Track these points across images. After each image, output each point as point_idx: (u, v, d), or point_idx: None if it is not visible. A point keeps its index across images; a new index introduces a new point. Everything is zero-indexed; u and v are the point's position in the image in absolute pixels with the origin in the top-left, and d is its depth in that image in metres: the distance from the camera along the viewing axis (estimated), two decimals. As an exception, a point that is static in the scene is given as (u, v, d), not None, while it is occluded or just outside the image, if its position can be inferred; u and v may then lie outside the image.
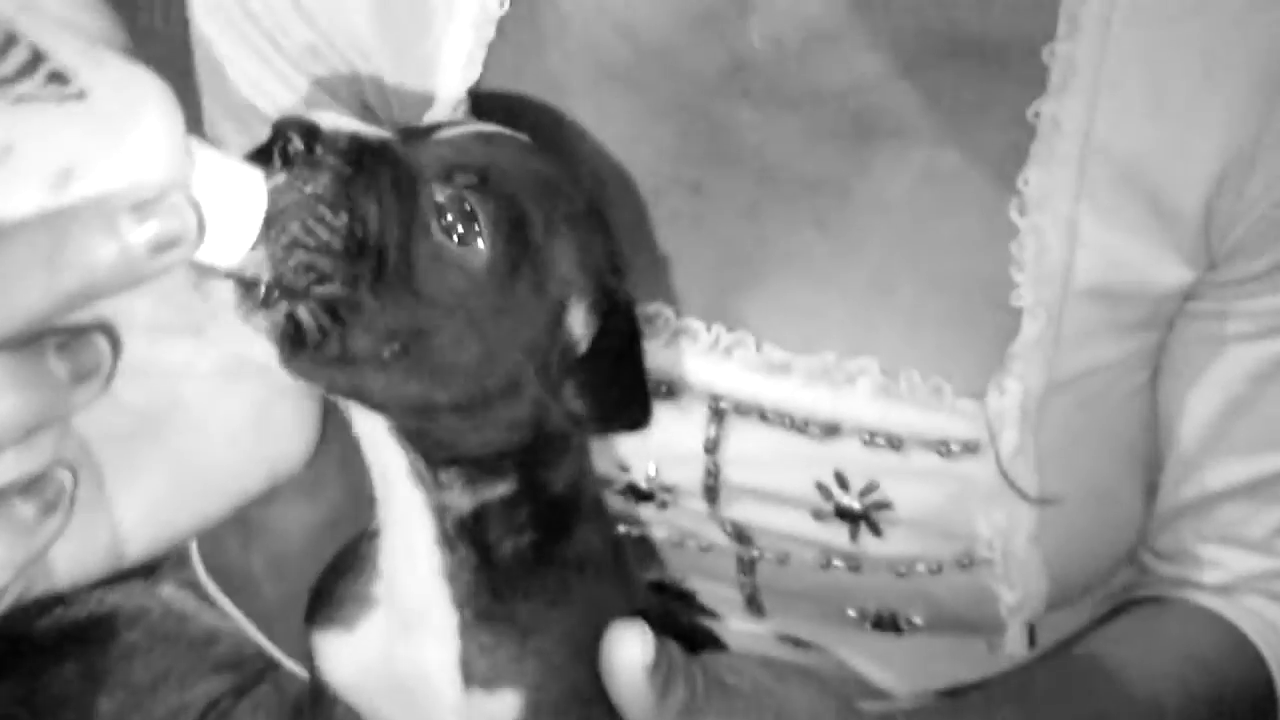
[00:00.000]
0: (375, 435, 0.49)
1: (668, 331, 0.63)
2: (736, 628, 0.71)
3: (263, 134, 0.67)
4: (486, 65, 0.63)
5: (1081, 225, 0.60)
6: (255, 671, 1.02)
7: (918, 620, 0.67)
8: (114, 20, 0.41)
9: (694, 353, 0.64)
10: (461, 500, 0.49)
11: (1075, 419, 0.63)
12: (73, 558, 0.44)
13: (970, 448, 0.62)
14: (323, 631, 0.53)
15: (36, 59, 0.38)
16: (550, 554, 0.50)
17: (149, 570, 1.05)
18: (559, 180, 0.48)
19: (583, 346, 0.48)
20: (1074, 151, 0.59)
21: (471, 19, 0.62)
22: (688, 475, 0.65)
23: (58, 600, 1.05)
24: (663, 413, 0.64)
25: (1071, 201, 0.59)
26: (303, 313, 0.43)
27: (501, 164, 0.46)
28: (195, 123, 0.72)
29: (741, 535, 0.67)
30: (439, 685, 0.50)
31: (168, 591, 1.07)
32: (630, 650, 0.48)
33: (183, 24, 0.70)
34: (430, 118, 0.63)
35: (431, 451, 0.48)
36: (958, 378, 0.61)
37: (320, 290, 0.43)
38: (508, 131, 0.49)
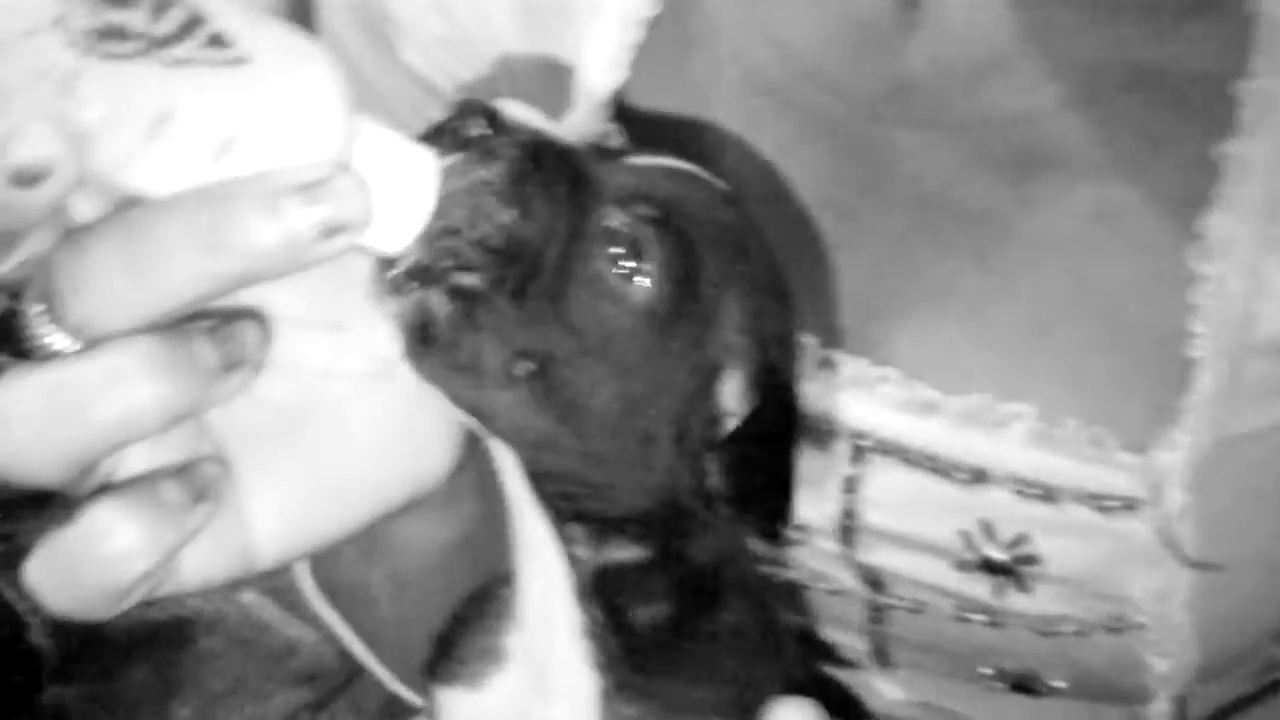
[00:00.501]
0: (510, 471, 0.45)
1: (810, 361, 0.60)
2: (883, 693, 0.68)
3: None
4: (631, 69, 0.60)
5: (1267, 275, 0.56)
6: (333, 686, 1.00)
7: (1058, 684, 0.64)
8: None
9: (837, 385, 0.60)
10: (586, 555, 0.44)
11: (1244, 480, 0.59)
12: (203, 559, 0.41)
13: (1130, 504, 0.58)
14: (447, 688, 0.48)
15: (196, 20, 0.35)
16: (694, 629, 0.45)
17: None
18: (746, 236, 0.43)
19: (731, 422, 0.43)
20: (1261, 196, 0.55)
21: (618, 18, 0.59)
22: (822, 514, 0.62)
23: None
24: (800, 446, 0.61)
25: (1257, 249, 0.56)
26: (436, 302, 0.39)
27: (688, 204, 0.42)
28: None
29: (875, 581, 0.63)
30: None
31: (249, 598, 1.05)
32: None
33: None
34: (569, 120, 0.61)
35: (554, 500, 0.44)
36: (1121, 429, 0.58)
37: (459, 279, 0.39)
38: (703, 174, 0.44)
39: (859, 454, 0.60)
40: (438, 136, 0.40)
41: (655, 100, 0.61)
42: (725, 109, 0.61)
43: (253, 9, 0.36)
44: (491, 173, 0.39)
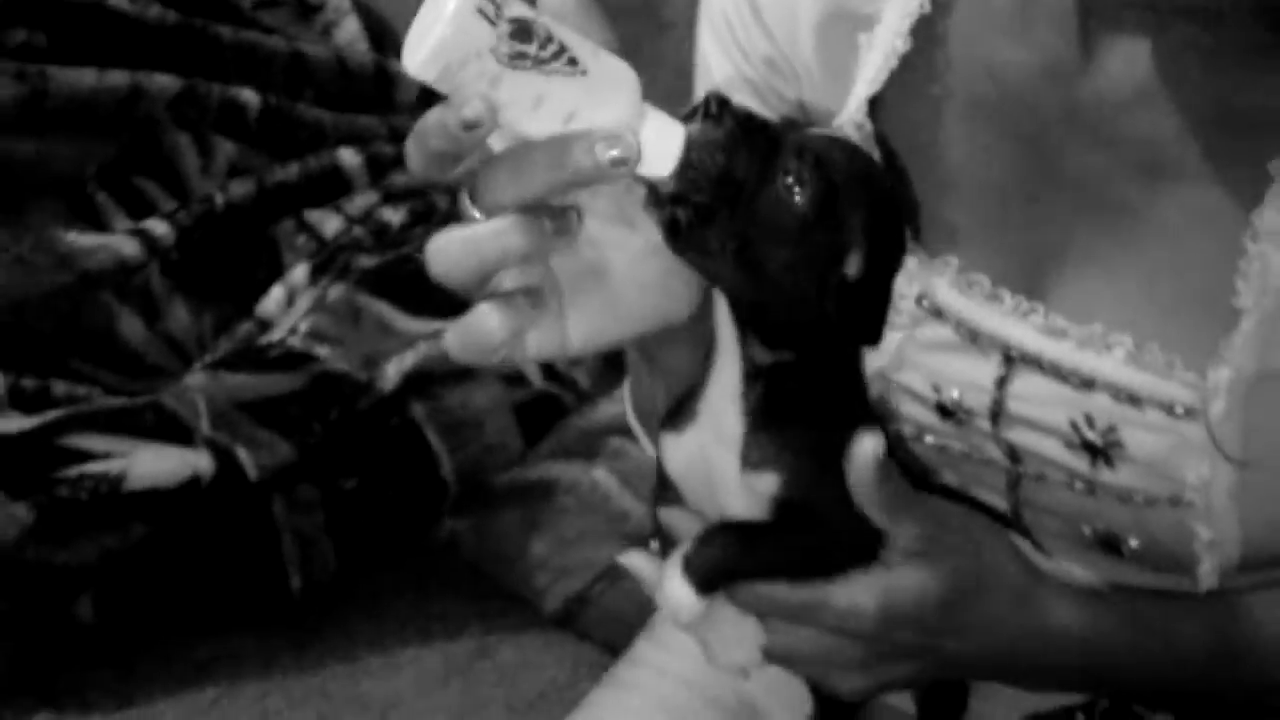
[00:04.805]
0: (721, 309, 0.78)
1: (982, 294, 0.88)
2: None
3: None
4: (886, 85, 0.89)
5: None
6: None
7: (1134, 544, 0.88)
8: (609, 29, 0.71)
9: (1000, 312, 0.87)
10: (761, 355, 0.77)
11: (1278, 405, 0.82)
12: (538, 342, 0.74)
13: (1191, 412, 0.82)
14: (665, 433, 0.82)
15: (561, 50, 0.67)
16: (817, 399, 0.78)
17: (591, 454, 1.39)
18: (873, 177, 0.75)
19: (851, 279, 0.74)
20: None
21: (883, 52, 0.89)
22: (980, 402, 0.88)
23: (518, 462, 1.40)
24: (969, 352, 0.88)
25: None
26: (681, 213, 0.71)
27: (836, 158, 0.73)
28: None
29: (1014, 455, 0.89)
30: (727, 469, 0.78)
31: (600, 474, 1.38)
32: (867, 446, 0.75)
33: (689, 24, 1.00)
34: (844, 113, 0.91)
35: (745, 320, 0.76)
36: (1189, 356, 0.82)
37: (696, 199, 0.71)
38: (853, 141, 0.76)
39: (1009, 361, 0.87)
40: (694, 113, 0.71)
41: (901, 107, 0.90)
42: (952, 117, 0.88)
43: (593, 41, 0.68)
44: (717, 135, 0.71)
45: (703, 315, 0.80)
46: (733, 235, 0.72)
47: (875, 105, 0.90)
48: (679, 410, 0.82)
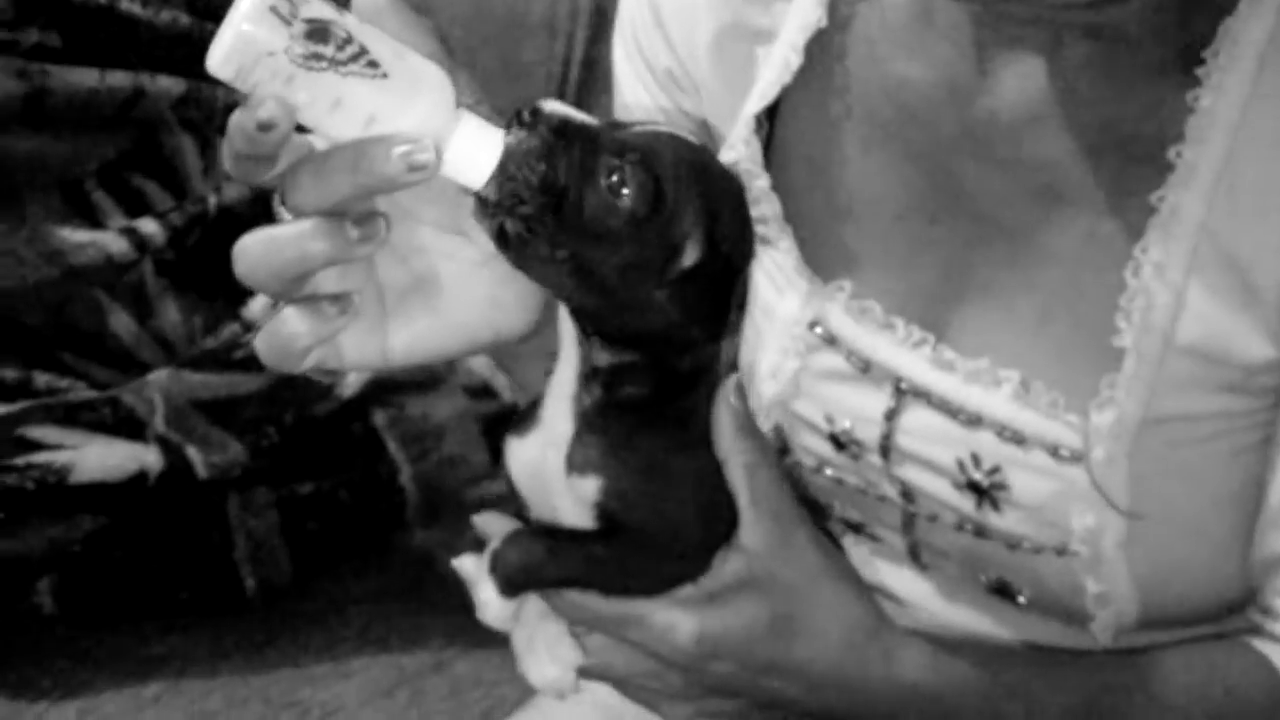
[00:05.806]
0: (562, 312, 0.74)
1: (875, 322, 0.84)
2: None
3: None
4: (779, 101, 0.86)
5: (1188, 294, 0.74)
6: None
7: (1027, 593, 0.83)
8: (429, 36, 0.68)
9: (892, 342, 0.83)
10: (601, 356, 0.72)
11: (1168, 454, 0.76)
12: (355, 350, 0.71)
13: (1076, 456, 0.77)
14: (509, 438, 0.78)
15: (362, 51, 0.64)
16: (655, 407, 0.73)
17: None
18: (705, 164, 0.71)
19: (689, 269, 0.70)
20: (1190, 234, 0.74)
21: (776, 67, 0.85)
22: (871, 434, 0.84)
23: (485, 474, 1.39)
24: (861, 383, 0.84)
25: (1183, 274, 0.74)
26: (509, 224, 0.68)
27: (660, 151, 0.69)
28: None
29: (906, 493, 0.85)
30: (555, 472, 0.74)
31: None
32: (732, 386, 0.73)
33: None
34: (731, 135, 0.87)
35: (587, 325, 0.72)
36: (1072, 396, 0.77)
37: (520, 210, 0.68)
38: (681, 134, 0.72)
39: (900, 393, 0.83)
40: (511, 122, 0.69)
41: (798, 125, 0.86)
42: (850, 136, 0.85)
43: (399, 44, 0.65)
44: (530, 144, 0.68)
45: (551, 327, 0.77)
46: (562, 243, 0.69)
47: (772, 123, 0.87)
48: (526, 414, 0.79)
